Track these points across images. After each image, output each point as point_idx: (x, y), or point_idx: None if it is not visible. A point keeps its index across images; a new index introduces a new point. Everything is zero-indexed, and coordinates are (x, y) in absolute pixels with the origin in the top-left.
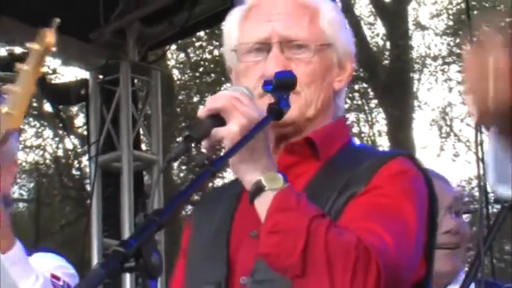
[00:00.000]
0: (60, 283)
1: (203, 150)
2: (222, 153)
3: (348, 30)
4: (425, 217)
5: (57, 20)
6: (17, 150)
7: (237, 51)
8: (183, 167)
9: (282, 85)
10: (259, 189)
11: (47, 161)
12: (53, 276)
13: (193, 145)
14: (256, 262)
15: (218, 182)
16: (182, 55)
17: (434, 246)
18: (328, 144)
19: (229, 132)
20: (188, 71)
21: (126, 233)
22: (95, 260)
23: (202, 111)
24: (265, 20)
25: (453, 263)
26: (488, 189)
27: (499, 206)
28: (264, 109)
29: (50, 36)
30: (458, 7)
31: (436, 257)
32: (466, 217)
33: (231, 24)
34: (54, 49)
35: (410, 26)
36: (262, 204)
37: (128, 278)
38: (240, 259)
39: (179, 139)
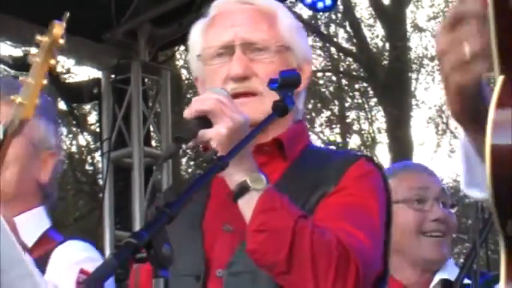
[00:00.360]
0: None
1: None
2: (229, 150)
3: (305, 36)
4: (384, 214)
5: (68, 14)
6: (54, 139)
7: (202, 56)
8: (191, 163)
9: (286, 83)
10: (244, 189)
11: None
12: (82, 271)
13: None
14: (233, 255)
15: None
16: None
17: (391, 241)
18: (293, 145)
19: (217, 134)
20: None
21: (137, 225)
22: (108, 251)
23: (188, 113)
24: (228, 26)
25: (440, 251)
26: None
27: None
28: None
29: (58, 28)
30: None
31: (424, 246)
32: (453, 210)
33: (195, 35)
34: (62, 41)
35: (409, 28)
36: (247, 203)
37: None
38: (216, 253)
39: None
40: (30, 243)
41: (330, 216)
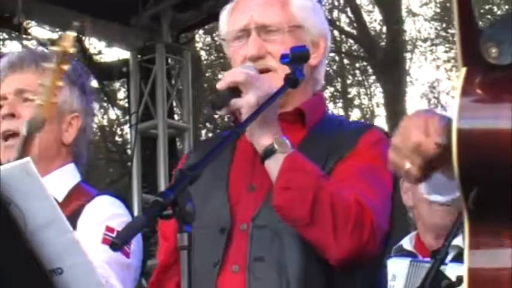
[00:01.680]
0: (114, 235)
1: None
2: (245, 118)
3: (320, 14)
4: (392, 178)
5: (76, 24)
6: (79, 102)
7: (226, 40)
8: (210, 134)
9: (297, 57)
10: (270, 151)
11: (94, 130)
12: (108, 228)
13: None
14: (257, 210)
15: None
16: (208, 38)
17: (395, 203)
18: (313, 114)
19: (247, 102)
20: (214, 52)
21: (162, 189)
22: (136, 213)
23: (222, 84)
24: (245, 11)
25: (446, 217)
26: None
27: None
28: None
29: (68, 40)
30: None
31: (435, 214)
32: None
33: (222, 19)
34: (72, 51)
35: (404, 13)
36: (273, 164)
37: None
38: (240, 209)
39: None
40: (60, 198)
41: (348, 177)
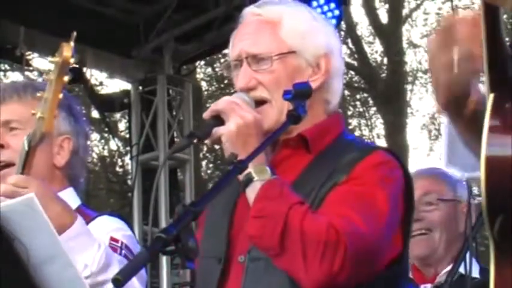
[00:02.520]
0: (119, 244)
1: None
2: (248, 154)
3: (319, 33)
4: (401, 200)
5: (75, 34)
6: (67, 124)
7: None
8: (211, 165)
9: (299, 94)
10: (249, 180)
11: (94, 160)
12: (112, 238)
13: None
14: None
15: None
16: (209, 69)
17: (411, 224)
18: (320, 138)
19: (227, 130)
20: (214, 83)
21: (163, 221)
22: None
23: (206, 113)
24: (238, 41)
25: (427, 246)
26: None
27: (480, 198)
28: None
29: (67, 49)
30: None
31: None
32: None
33: (230, 46)
34: (72, 61)
35: (404, 44)
36: (251, 193)
37: (164, 260)
38: (240, 241)
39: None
40: None
41: (334, 203)
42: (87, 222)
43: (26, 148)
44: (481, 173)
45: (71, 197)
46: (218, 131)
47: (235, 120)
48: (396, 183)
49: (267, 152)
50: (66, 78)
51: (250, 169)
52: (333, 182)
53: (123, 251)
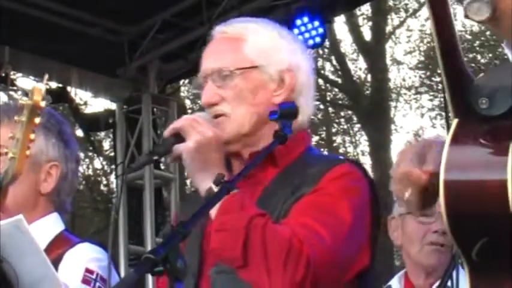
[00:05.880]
0: (93, 276)
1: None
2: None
3: (284, 48)
4: (367, 212)
5: (46, 76)
6: (55, 151)
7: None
8: None
9: (285, 114)
10: (210, 195)
11: (79, 179)
12: (87, 270)
13: (155, 158)
14: None
15: None
16: None
17: (377, 238)
18: (286, 154)
19: (186, 147)
20: (199, 101)
21: (149, 240)
22: (122, 263)
23: (166, 132)
24: (204, 58)
25: (437, 258)
26: None
27: None
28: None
29: (37, 93)
30: (428, 45)
31: (424, 253)
32: None
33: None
34: (43, 105)
35: (388, 61)
36: (213, 208)
37: (150, 280)
38: (211, 255)
39: None
40: (43, 247)
41: (297, 214)
42: (67, 249)
43: None
44: (440, 197)
45: (54, 223)
46: (178, 148)
47: (195, 137)
48: (360, 194)
49: (230, 168)
50: (37, 120)
51: (211, 184)
52: (299, 194)
53: (97, 283)
